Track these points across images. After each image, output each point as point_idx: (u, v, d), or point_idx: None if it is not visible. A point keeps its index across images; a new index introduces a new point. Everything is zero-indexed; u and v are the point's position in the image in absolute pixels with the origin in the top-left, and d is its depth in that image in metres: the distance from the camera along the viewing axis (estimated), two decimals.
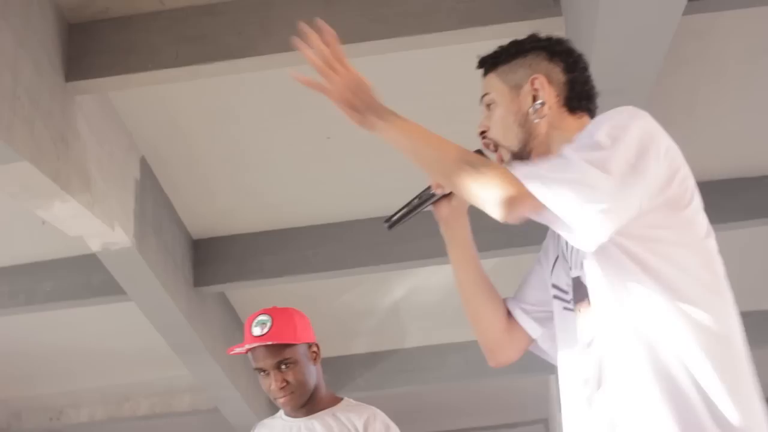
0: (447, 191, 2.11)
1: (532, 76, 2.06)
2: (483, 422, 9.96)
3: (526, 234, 5.70)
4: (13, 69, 3.52)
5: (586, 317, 1.91)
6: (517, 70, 2.10)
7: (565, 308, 2.00)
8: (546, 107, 2.04)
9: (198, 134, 4.99)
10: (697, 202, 1.92)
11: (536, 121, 2.03)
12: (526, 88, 2.06)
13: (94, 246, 4.64)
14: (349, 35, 4.00)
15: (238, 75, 4.27)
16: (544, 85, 2.05)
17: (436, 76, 4.63)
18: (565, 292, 2.00)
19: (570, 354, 1.98)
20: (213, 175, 5.32)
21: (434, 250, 5.61)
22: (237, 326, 6.78)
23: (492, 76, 2.15)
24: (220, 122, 4.89)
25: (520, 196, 1.79)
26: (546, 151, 2.01)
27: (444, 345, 7.64)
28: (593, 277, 1.86)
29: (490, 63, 2.17)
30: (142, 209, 4.86)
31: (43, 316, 6.12)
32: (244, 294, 6.50)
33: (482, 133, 2.11)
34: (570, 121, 2.05)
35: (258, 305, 7.18)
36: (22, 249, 5.66)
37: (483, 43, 4.24)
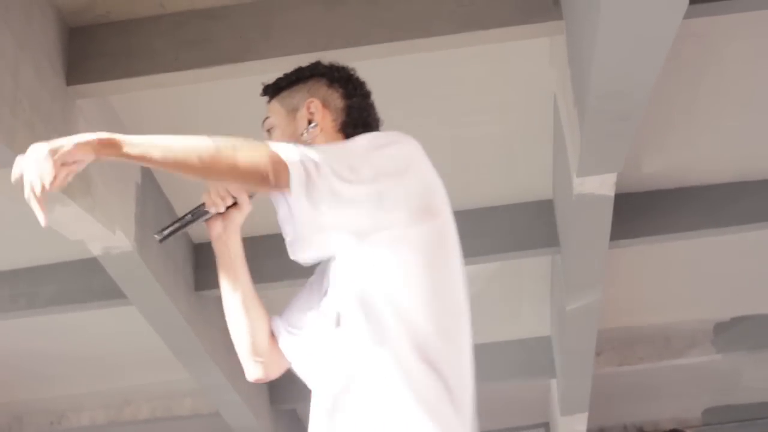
0: (221, 209, 2.16)
1: (308, 100, 2.14)
2: (483, 426, 9.89)
3: (528, 238, 5.70)
4: (14, 72, 3.52)
5: None
6: (296, 94, 2.19)
7: None
8: (318, 129, 2.11)
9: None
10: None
11: (308, 141, 2.09)
12: (302, 111, 2.15)
13: (95, 250, 4.64)
14: (349, 39, 4.01)
15: (239, 78, 4.27)
16: (318, 109, 2.14)
17: (437, 80, 4.63)
18: None
19: None
20: None
21: None
22: None
23: (274, 102, 2.26)
24: (221, 126, 4.87)
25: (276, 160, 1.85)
26: None
27: None
28: None
29: (272, 89, 2.26)
30: (143, 213, 4.86)
31: (44, 320, 6.12)
32: None
33: None
34: None
35: None
36: (23, 253, 5.66)
37: (483, 47, 4.27)
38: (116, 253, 4.66)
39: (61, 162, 1.87)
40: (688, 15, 3.30)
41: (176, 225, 2.18)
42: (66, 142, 1.86)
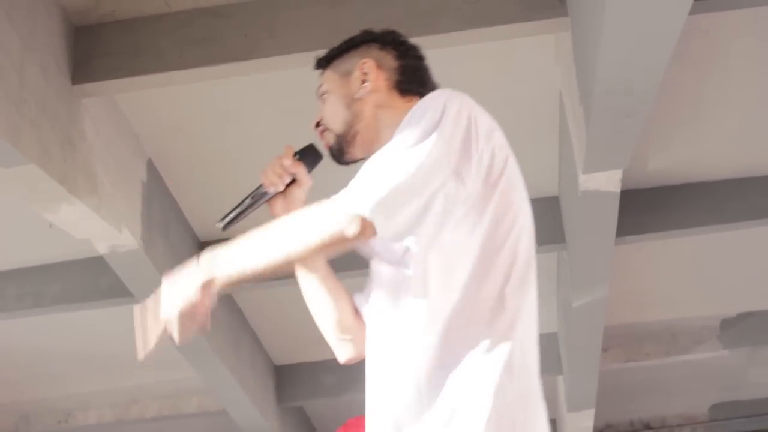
0: (280, 188, 2.15)
1: (362, 61, 2.13)
2: None
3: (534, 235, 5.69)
4: (19, 72, 3.53)
5: None
6: (349, 60, 2.19)
7: None
8: (371, 85, 2.11)
9: (205, 136, 4.99)
10: None
11: (362, 96, 2.10)
12: (356, 73, 2.14)
13: (102, 248, 4.65)
14: None
15: (244, 77, 4.27)
16: (372, 68, 2.13)
17: (441, 77, 4.63)
18: None
19: None
20: (220, 177, 5.32)
21: None
22: (244, 328, 6.78)
23: (327, 71, 2.24)
24: (226, 124, 4.90)
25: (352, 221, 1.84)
26: (373, 135, 2.12)
27: None
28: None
29: (325, 60, 2.24)
30: (149, 211, 4.87)
31: (50, 318, 6.12)
32: (251, 295, 6.50)
33: (317, 124, 2.20)
34: (399, 103, 2.12)
35: (266, 307, 7.21)
36: (29, 252, 5.66)
37: (488, 44, 4.26)
38: (122, 251, 4.67)
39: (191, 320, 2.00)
40: (693, 11, 3.30)
41: (237, 211, 2.17)
42: (181, 304, 2.00)
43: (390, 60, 2.16)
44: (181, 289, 1.93)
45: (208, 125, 4.91)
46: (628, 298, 6.86)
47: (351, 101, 2.13)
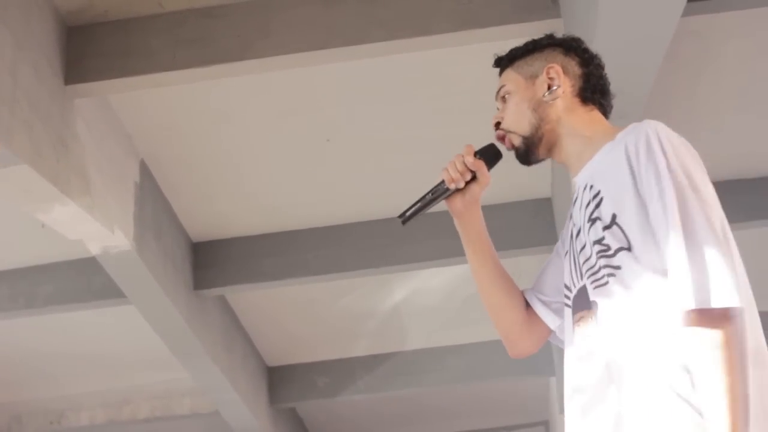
0: (461, 185, 2.14)
1: (548, 65, 2.16)
2: (483, 424, 9.94)
3: (527, 236, 5.70)
4: (12, 72, 3.52)
5: (586, 329, 1.93)
6: (533, 62, 2.21)
7: (567, 307, 2.03)
8: (560, 90, 2.13)
9: (197, 137, 4.99)
10: None
11: (549, 101, 2.13)
12: (542, 77, 2.17)
13: (94, 249, 4.64)
14: (347, 37, 4.01)
15: (237, 77, 4.27)
16: (559, 74, 2.16)
17: (434, 78, 4.63)
18: (569, 296, 2.02)
19: (568, 359, 1.99)
20: (213, 178, 5.32)
21: (435, 252, 5.61)
22: (237, 329, 6.78)
23: (508, 71, 2.23)
24: (219, 125, 4.89)
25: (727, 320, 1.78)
26: (555, 138, 2.14)
27: (444, 347, 7.64)
28: (612, 302, 1.89)
29: (506, 60, 2.26)
30: (141, 212, 4.86)
31: (43, 319, 6.12)
32: (244, 297, 6.50)
33: (497, 124, 2.19)
34: (581, 111, 2.15)
35: (258, 308, 7.22)
36: (22, 252, 5.66)
37: (481, 45, 4.26)
38: (115, 252, 4.66)
39: None
40: (686, 13, 3.31)
41: (418, 205, 2.15)
42: None
43: (574, 66, 2.19)
44: None
45: (202, 126, 4.91)
46: None
47: (537, 104, 2.15)
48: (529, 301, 2.21)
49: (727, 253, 1.85)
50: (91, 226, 4.30)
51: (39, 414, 7.92)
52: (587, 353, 1.91)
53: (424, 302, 6.99)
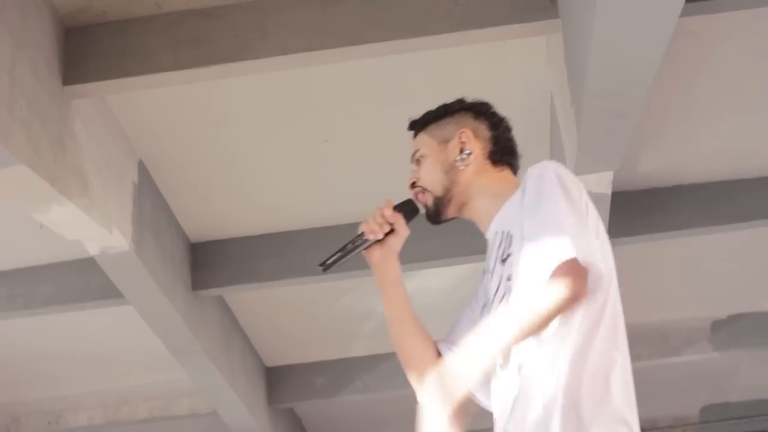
0: (379, 236, 2.31)
1: (460, 130, 2.31)
2: (485, 424, 9.94)
3: None
4: (10, 72, 3.52)
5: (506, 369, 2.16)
6: (446, 127, 2.37)
7: None
8: (472, 156, 2.28)
9: (196, 137, 4.99)
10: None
11: (462, 168, 2.29)
12: (454, 141, 2.32)
13: (92, 250, 4.64)
14: (345, 38, 4.00)
15: (235, 78, 4.27)
16: (470, 138, 2.31)
17: (432, 79, 4.63)
18: None
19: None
20: (211, 179, 5.32)
21: (434, 252, 5.61)
22: (235, 329, 6.78)
23: (422, 135, 2.40)
24: (218, 125, 4.89)
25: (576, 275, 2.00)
26: (466, 198, 2.29)
27: None
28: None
29: (420, 124, 2.43)
30: (140, 213, 4.86)
31: (41, 319, 6.11)
32: (242, 297, 6.49)
33: (412, 184, 2.36)
34: (492, 172, 2.31)
35: (256, 308, 7.22)
36: (20, 253, 5.65)
37: (479, 46, 4.27)
38: (113, 252, 4.66)
39: None
40: (684, 13, 3.31)
41: (338, 255, 2.34)
42: None
43: (484, 130, 2.34)
44: None
45: (200, 126, 4.91)
46: None
47: (449, 167, 2.30)
48: (441, 351, 2.33)
49: (582, 223, 2.13)
50: (89, 227, 4.29)
51: (37, 414, 7.91)
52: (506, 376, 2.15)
53: (423, 302, 6.96)
